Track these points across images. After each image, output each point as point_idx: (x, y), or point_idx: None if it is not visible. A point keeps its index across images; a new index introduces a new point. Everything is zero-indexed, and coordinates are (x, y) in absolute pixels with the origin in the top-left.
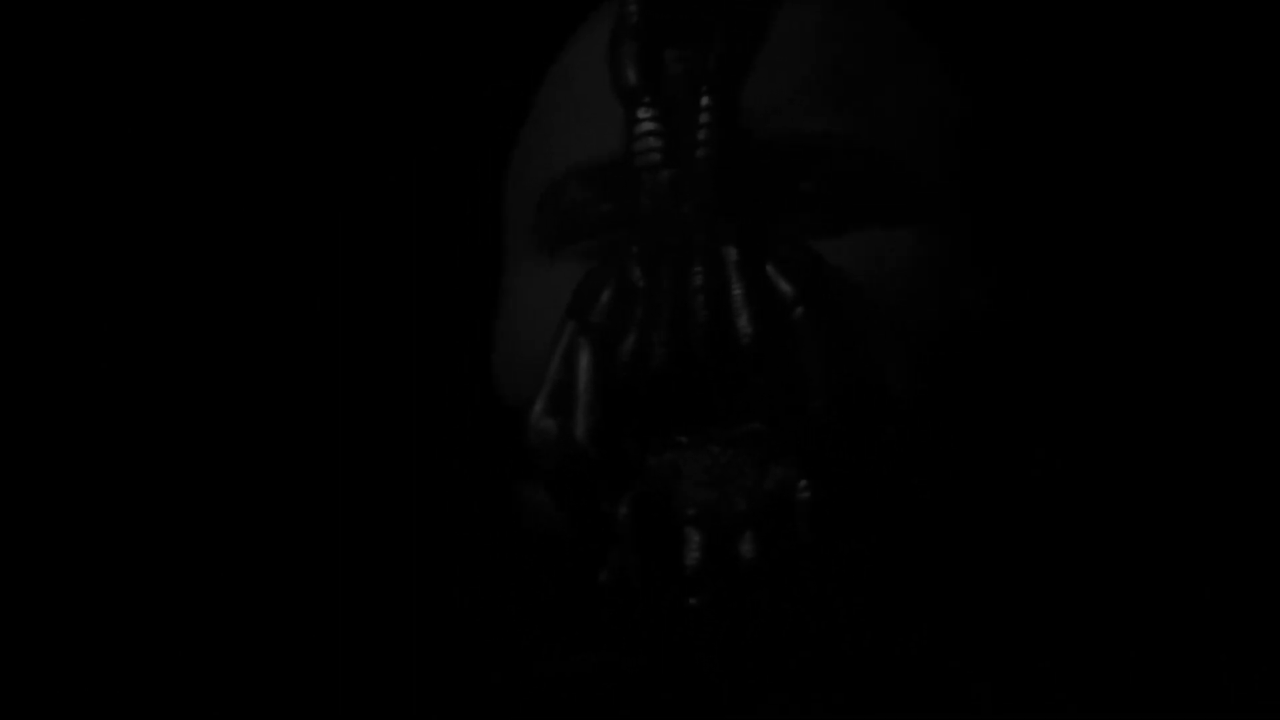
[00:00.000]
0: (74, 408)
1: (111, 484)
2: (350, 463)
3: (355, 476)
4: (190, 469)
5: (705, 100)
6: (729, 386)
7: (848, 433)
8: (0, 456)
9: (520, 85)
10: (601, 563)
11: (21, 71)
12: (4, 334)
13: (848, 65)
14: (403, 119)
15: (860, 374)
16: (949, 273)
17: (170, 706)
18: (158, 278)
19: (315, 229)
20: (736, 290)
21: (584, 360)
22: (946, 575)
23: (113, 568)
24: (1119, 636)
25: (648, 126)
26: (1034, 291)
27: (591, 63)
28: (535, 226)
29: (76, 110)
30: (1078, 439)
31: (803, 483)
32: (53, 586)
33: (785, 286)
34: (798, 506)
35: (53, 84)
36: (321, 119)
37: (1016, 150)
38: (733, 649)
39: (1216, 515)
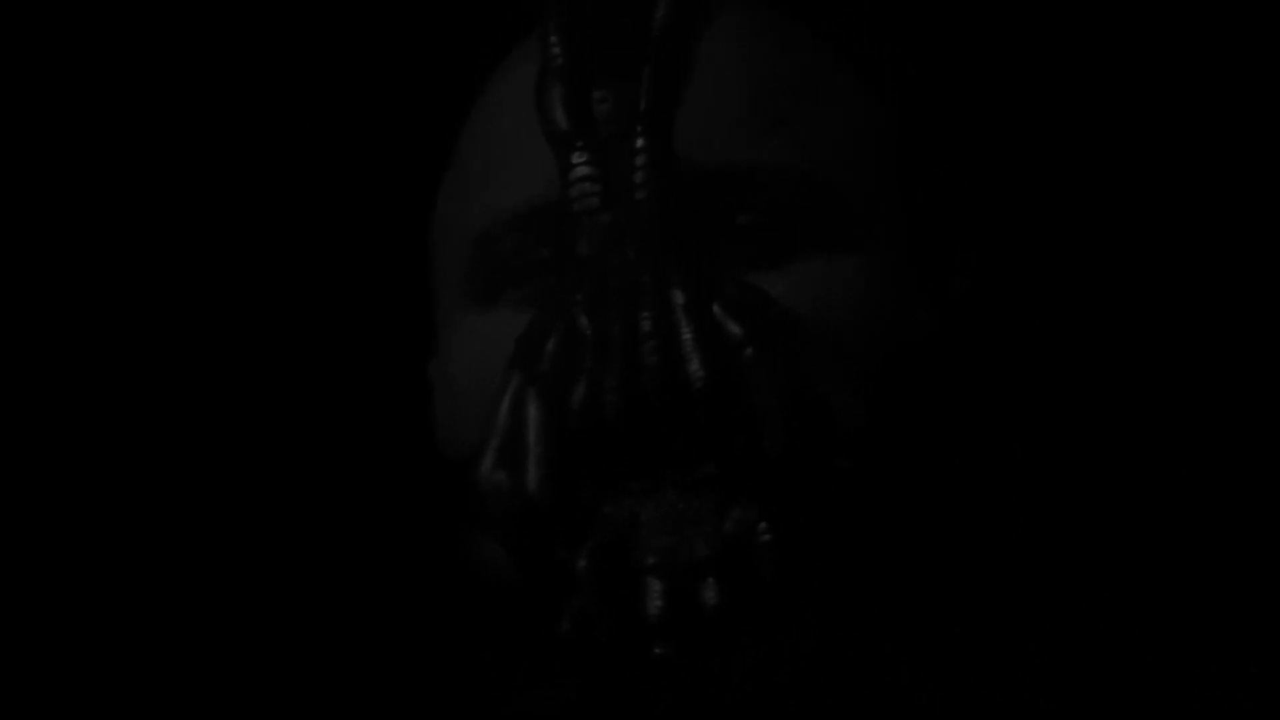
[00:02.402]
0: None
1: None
2: (295, 512)
3: (301, 526)
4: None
5: (640, 141)
6: (682, 431)
7: (803, 470)
8: None
9: (435, 124)
10: (560, 613)
11: (17, 71)
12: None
13: (774, 94)
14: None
15: (811, 410)
16: (892, 296)
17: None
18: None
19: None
20: (686, 334)
21: (533, 411)
22: (915, 608)
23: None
24: (1097, 669)
25: (583, 171)
26: (981, 307)
27: (515, 106)
28: (468, 276)
29: (60, 107)
30: (1037, 452)
31: (762, 525)
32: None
33: (733, 328)
34: (759, 549)
35: (47, 82)
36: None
37: (947, 165)
38: (700, 698)
39: (1187, 531)
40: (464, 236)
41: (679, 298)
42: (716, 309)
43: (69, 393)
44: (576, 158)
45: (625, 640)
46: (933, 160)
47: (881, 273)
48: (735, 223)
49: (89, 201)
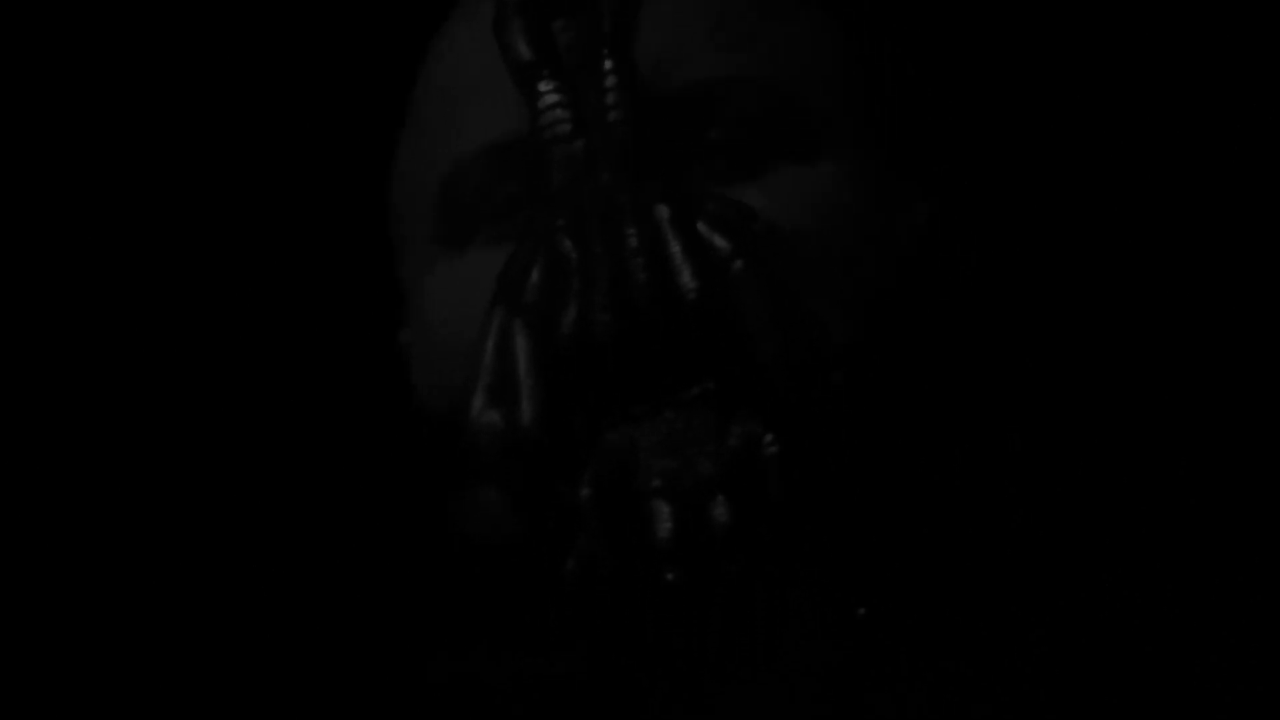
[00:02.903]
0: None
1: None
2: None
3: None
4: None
5: (608, 64)
6: (676, 349)
7: (802, 380)
8: None
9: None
10: (564, 555)
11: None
12: None
13: (737, 10)
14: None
15: (804, 320)
16: (871, 205)
17: None
18: None
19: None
20: (674, 248)
21: (521, 344)
22: (922, 526)
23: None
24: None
25: (552, 99)
26: (968, 212)
27: (472, 47)
28: (437, 220)
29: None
30: (1032, 369)
31: (768, 437)
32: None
33: (720, 242)
34: (766, 461)
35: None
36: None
37: (918, 65)
38: (717, 620)
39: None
40: (430, 182)
41: (663, 213)
42: (700, 225)
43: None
44: (544, 86)
45: (635, 570)
46: (901, 74)
47: (857, 181)
48: (707, 138)
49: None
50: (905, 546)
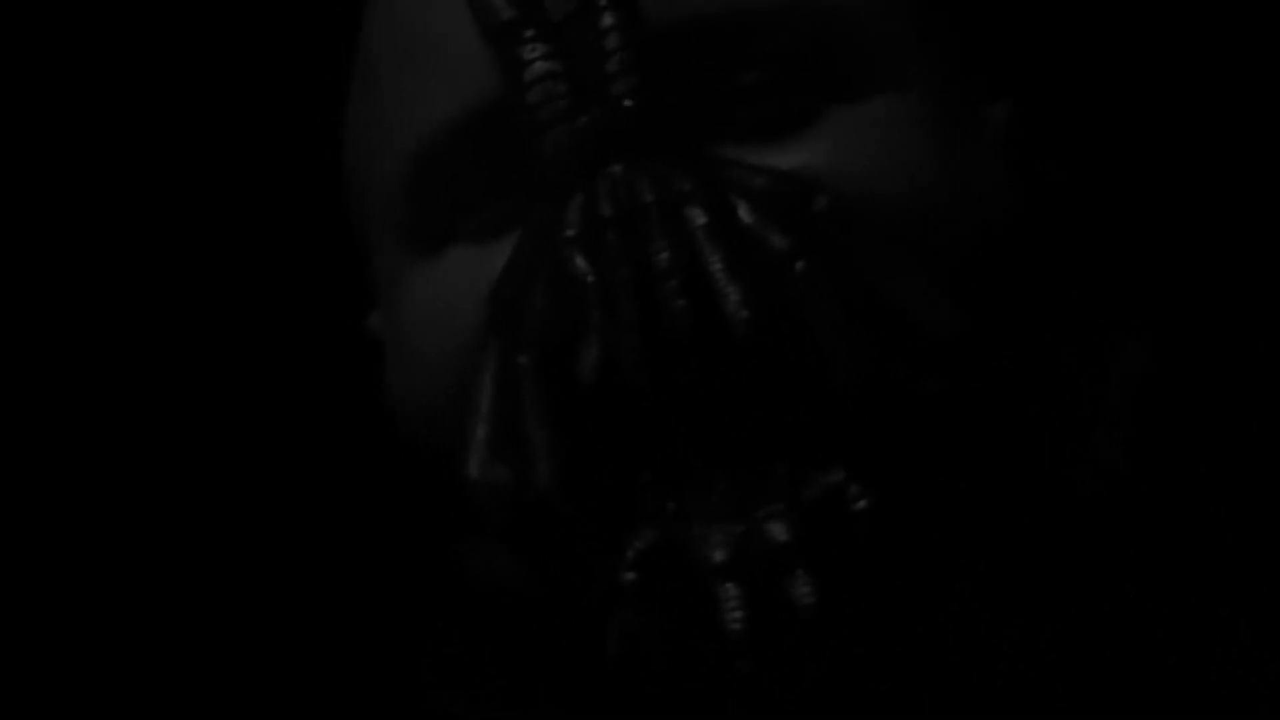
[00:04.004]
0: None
1: None
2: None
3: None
4: None
5: (608, 18)
6: (727, 386)
7: (892, 405)
8: None
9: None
10: (602, 629)
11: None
12: None
13: None
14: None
15: (887, 324)
16: (946, 129)
17: None
18: None
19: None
20: (715, 262)
21: (530, 386)
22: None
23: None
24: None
25: (541, 66)
26: (1070, 163)
27: (429, 1)
28: (407, 212)
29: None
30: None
31: (853, 487)
32: None
33: (775, 238)
34: (855, 519)
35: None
36: None
37: None
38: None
39: None
40: (393, 160)
41: (697, 216)
42: (745, 214)
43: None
44: (529, 51)
45: (696, 660)
46: None
47: (925, 108)
48: (739, 84)
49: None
50: (1029, 630)
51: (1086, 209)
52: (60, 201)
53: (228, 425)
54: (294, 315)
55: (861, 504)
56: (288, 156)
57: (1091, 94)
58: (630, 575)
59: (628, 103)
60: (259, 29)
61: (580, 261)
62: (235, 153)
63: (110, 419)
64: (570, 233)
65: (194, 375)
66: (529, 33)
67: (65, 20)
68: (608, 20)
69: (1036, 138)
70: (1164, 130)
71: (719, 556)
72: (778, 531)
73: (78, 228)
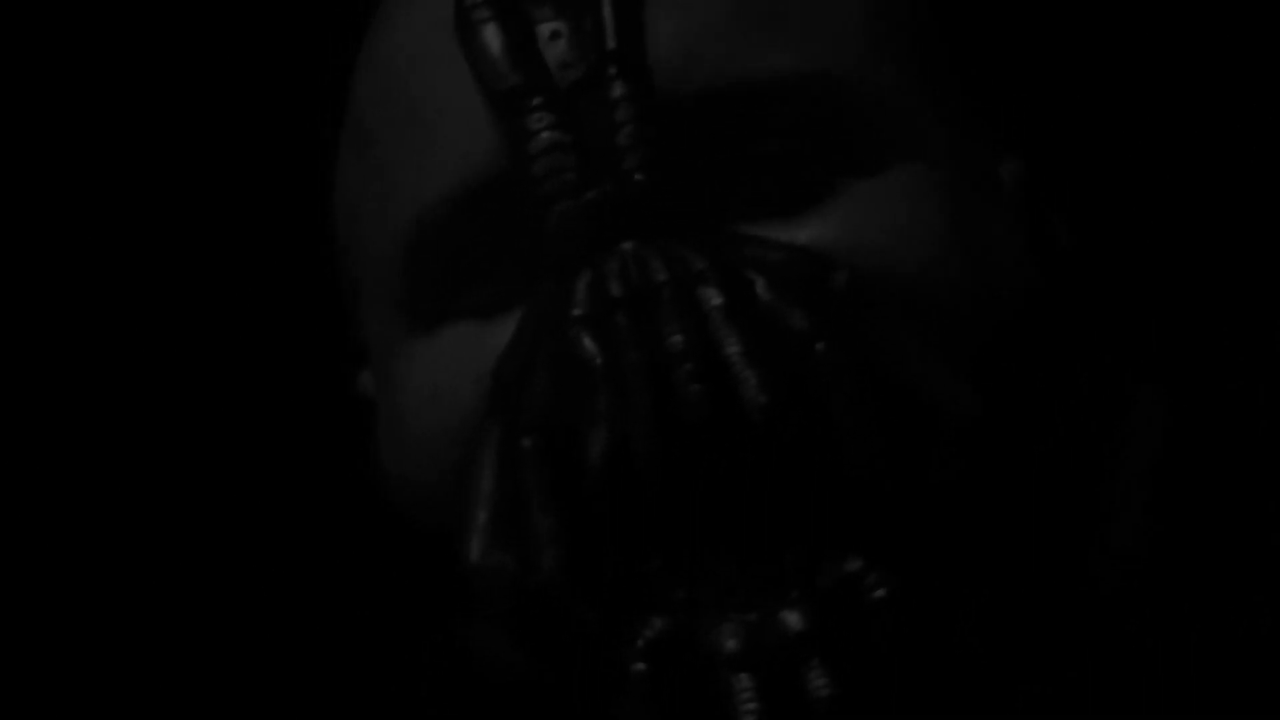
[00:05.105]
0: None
1: None
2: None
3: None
4: None
5: (619, 89)
6: (741, 472)
7: (911, 491)
8: None
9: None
10: (605, 715)
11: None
12: None
13: None
14: None
15: (906, 407)
16: (966, 214)
17: None
18: None
19: None
20: (731, 345)
21: (532, 470)
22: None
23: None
24: None
25: (548, 137)
26: (1080, 227)
27: (430, 27)
28: (404, 284)
29: None
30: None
31: (871, 575)
32: None
33: (794, 318)
34: (872, 608)
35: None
36: None
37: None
38: None
39: None
40: (389, 234)
41: (712, 297)
42: (763, 291)
43: None
44: (535, 121)
45: None
46: (984, 37)
47: (938, 174)
48: (750, 158)
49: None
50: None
51: (1100, 277)
52: (47, 221)
53: (224, 481)
54: (290, 372)
55: (880, 592)
56: (276, 192)
57: (1099, 151)
58: (639, 665)
59: (639, 177)
60: (246, 47)
61: (589, 343)
62: (220, 179)
63: (100, 470)
64: (578, 312)
65: (189, 448)
66: (535, 101)
67: (55, 33)
68: (618, 90)
69: (1048, 198)
70: (1172, 190)
71: (732, 646)
72: (793, 621)
73: (62, 249)
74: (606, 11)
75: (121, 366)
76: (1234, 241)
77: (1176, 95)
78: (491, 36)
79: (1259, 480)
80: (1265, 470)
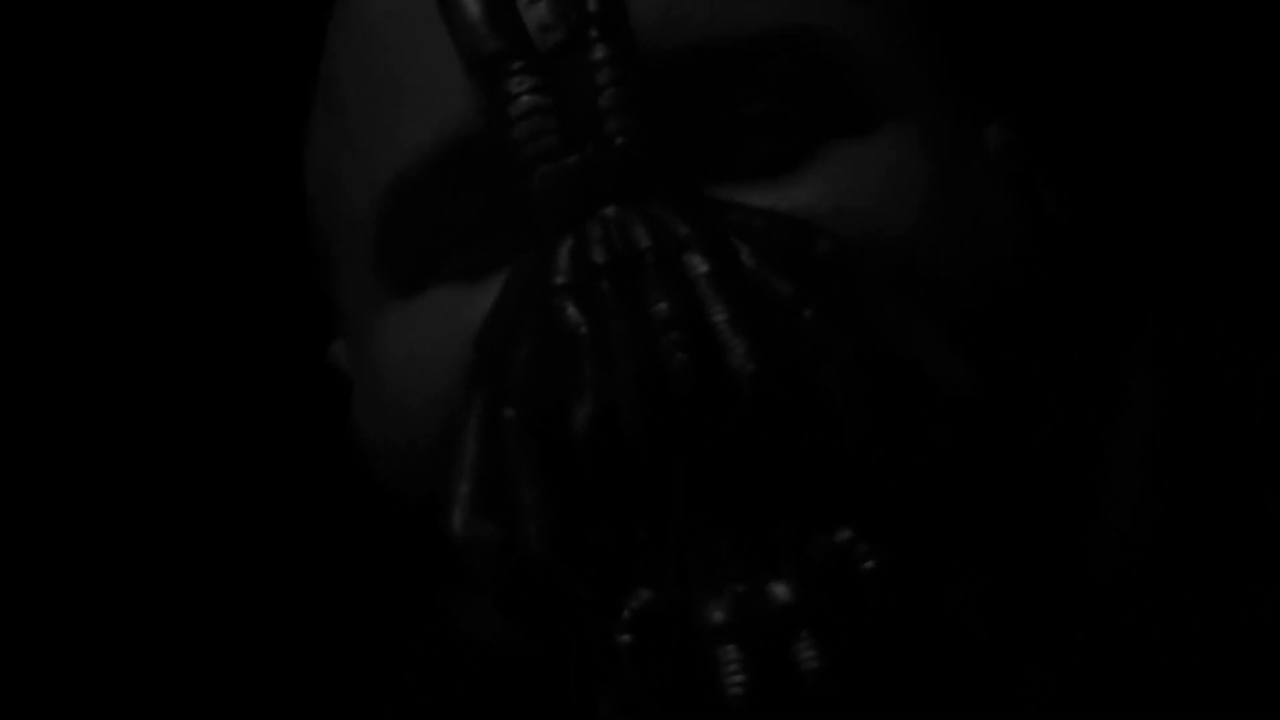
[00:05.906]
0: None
1: None
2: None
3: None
4: None
5: (600, 51)
6: (728, 442)
7: (902, 460)
8: None
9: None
10: (595, 691)
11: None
12: None
13: None
14: None
15: (895, 374)
16: (953, 183)
17: None
18: None
19: None
20: (719, 313)
21: (516, 441)
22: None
23: None
24: None
25: (529, 101)
26: (1070, 194)
27: (402, 16)
28: (380, 250)
29: None
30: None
31: (861, 545)
32: None
33: (780, 284)
34: (862, 579)
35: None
36: None
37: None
38: None
39: None
40: (365, 197)
41: (699, 264)
42: (748, 259)
43: None
44: (516, 84)
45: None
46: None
47: (929, 146)
48: (735, 120)
49: None
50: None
51: (1094, 251)
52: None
53: (206, 457)
54: (271, 339)
55: (870, 564)
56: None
57: (1087, 117)
58: (626, 637)
59: (621, 140)
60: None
61: (572, 312)
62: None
63: (85, 456)
64: (560, 280)
65: (169, 420)
66: (516, 64)
67: (42, 24)
68: (600, 53)
69: (1036, 163)
70: (1163, 157)
71: (719, 617)
72: (782, 592)
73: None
74: None
75: (100, 347)
76: (1232, 219)
77: (1175, 69)
78: (472, 2)
79: (1257, 460)
80: (1264, 450)
